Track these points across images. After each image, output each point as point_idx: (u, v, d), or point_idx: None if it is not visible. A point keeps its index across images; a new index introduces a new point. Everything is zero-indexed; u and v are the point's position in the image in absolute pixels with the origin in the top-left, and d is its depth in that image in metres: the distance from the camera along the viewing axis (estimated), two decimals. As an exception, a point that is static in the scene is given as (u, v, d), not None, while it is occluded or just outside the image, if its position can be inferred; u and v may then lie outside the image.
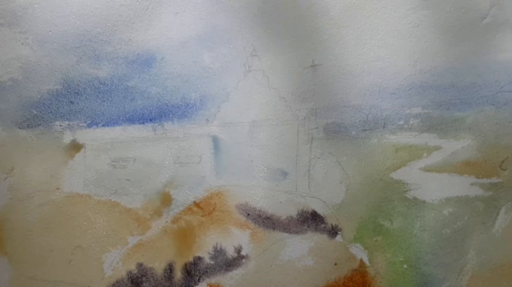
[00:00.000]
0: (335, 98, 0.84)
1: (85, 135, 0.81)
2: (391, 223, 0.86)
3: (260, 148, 0.84)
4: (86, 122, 0.81)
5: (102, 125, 0.82)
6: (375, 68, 0.84)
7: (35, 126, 0.80)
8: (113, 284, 0.82)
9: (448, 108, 0.85)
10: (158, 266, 0.83)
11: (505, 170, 0.86)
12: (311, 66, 0.84)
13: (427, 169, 0.85)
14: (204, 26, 0.82)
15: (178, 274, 0.83)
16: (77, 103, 0.81)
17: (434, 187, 0.86)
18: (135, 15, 0.81)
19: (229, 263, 0.84)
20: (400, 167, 0.85)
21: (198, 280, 0.83)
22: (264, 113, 0.84)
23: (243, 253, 0.84)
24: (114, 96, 0.81)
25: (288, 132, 0.84)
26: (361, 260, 0.86)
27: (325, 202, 0.85)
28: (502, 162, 0.86)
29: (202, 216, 0.84)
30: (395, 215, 0.86)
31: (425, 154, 0.85)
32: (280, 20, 0.83)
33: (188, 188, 0.83)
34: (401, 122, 0.85)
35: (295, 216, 0.85)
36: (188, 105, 0.83)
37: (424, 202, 0.86)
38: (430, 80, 0.85)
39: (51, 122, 0.80)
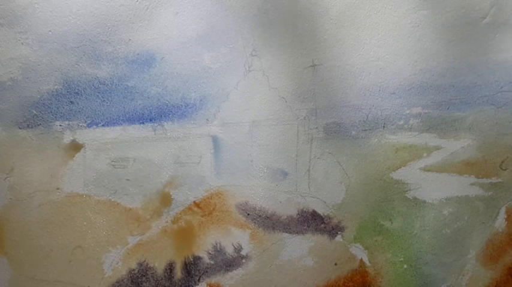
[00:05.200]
0: (335, 98, 0.84)
1: (85, 135, 0.81)
2: (391, 223, 0.86)
3: (260, 148, 0.84)
4: (86, 122, 0.81)
5: (102, 125, 0.82)
6: (375, 68, 0.84)
7: (35, 126, 0.80)
8: (113, 284, 0.82)
9: (448, 108, 0.85)
10: (158, 266, 0.83)
11: (505, 170, 0.86)
12: (311, 66, 0.84)
13: (427, 169, 0.85)
14: (204, 26, 0.82)
15: (178, 274, 0.83)
16: (77, 103, 0.81)
17: (434, 186, 0.86)
18: (135, 15, 0.81)
19: (229, 263, 0.84)
20: (400, 167, 0.85)
21: (198, 280, 0.83)
22: (264, 113, 0.84)
23: (243, 253, 0.84)
24: (114, 96, 0.81)
25: (288, 132, 0.84)
26: (361, 260, 0.86)
27: (325, 202, 0.85)
28: (502, 162, 0.86)
29: (202, 216, 0.84)
30: (395, 215, 0.86)
31: (425, 154, 0.85)
32: (280, 20, 0.83)
33: (188, 188, 0.83)
34: (401, 122, 0.85)
35: (295, 216, 0.85)
36: (188, 105, 0.83)
37: (424, 201, 0.86)
38: (430, 80, 0.85)
39: (51, 122, 0.80)
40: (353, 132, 0.85)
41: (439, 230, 0.86)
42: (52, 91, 0.80)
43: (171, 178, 0.83)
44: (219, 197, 0.84)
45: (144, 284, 0.82)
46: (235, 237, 0.84)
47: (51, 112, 0.80)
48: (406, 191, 0.86)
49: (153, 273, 0.83)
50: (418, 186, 0.85)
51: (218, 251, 0.84)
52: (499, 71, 0.85)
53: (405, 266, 0.86)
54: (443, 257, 0.86)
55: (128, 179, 0.82)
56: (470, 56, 0.84)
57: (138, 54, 0.81)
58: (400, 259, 0.86)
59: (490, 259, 0.86)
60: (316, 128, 0.84)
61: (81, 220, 0.81)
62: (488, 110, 0.85)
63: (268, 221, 0.84)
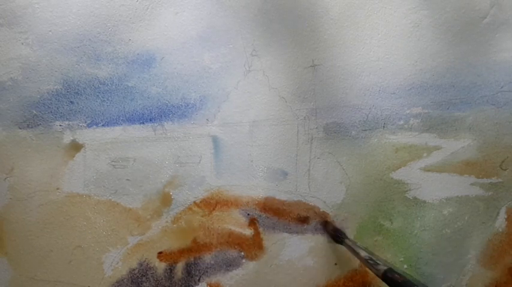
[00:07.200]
0: (335, 98, 0.84)
1: (85, 135, 0.81)
2: (391, 223, 0.86)
3: (260, 148, 0.84)
4: (86, 122, 0.81)
5: (102, 125, 0.82)
6: (375, 68, 0.84)
7: (35, 126, 0.80)
8: (113, 284, 0.82)
9: (448, 108, 0.85)
10: (158, 266, 0.83)
11: (505, 170, 0.86)
12: (311, 66, 0.84)
13: (427, 169, 0.85)
14: (204, 26, 0.82)
15: (178, 274, 0.83)
16: (77, 103, 0.81)
17: (435, 187, 0.86)
18: (135, 15, 0.81)
19: (229, 263, 0.84)
20: (400, 167, 0.85)
21: (198, 280, 0.83)
22: (264, 113, 0.84)
23: (243, 253, 0.84)
24: (114, 96, 0.81)
25: (288, 132, 0.84)
26: (361, 260, 0.86)
27: (325, 202, 0.85)
28: (502, 162, 0.86)
29: (202, 216, 0.84)
30: (396, 215, 0.86)
31: (425, 154, 0.85)
32: (280, 20, 0.83)
33: (188, 188, 0.83)
34: (402, 122, 0.85)
35: (295, 216, 0.85)
36: (188, 105, 0.83)
37: (424, 202, 0.86)
38: (430, 80, 0.85)
39: (51, 122, 0.80)
40: (353, 132, 0.85)
41: (439, 230, 0.86)
42: (52, 91, 0.80)
43: (171, 178, 0.83)
44: (219, 197, 0.84)
45: (144, 284, 0.82)
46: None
47: (51, 112, 0.80)
48: (406, 191, 0.86)
49: (153, 273, 0.83)
50: (418, 186, 0.85)
51: (218, 251, 0.84)
52: (499, 71, 0.85)
53: (405, 266, 0.86)
54: (443, 257, 0.86)
55: (128, 179, 0.82)
56: (470, 56, 0.84)
57: (138, 54, 0.81)
58: (400, 259, 0.86)
59: (490, 259, 0.86)
60: (316, 128, 0.84)
61: (81, 220, 0.81)
62: (488, 110, 0.85)
63: (268, 221, 0.84)
